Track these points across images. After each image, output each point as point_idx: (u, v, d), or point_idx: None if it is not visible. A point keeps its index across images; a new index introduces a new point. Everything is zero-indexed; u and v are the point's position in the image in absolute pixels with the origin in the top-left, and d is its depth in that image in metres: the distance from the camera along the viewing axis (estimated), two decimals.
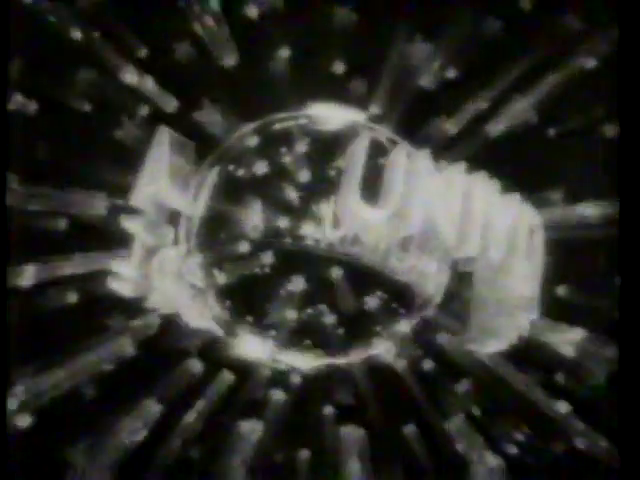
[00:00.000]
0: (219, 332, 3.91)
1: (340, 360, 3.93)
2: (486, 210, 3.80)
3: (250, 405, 3.91)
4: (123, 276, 3.78)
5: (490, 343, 3.85)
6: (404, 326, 3.92)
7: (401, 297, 3.93)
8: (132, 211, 3.75)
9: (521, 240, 3.84)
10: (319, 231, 3.77)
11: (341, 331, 3.93)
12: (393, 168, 3.72)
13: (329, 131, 3.90)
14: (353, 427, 3.91)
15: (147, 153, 3.76)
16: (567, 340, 3.90)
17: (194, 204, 3.91)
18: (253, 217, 3.82)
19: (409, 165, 3.74)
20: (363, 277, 3.89)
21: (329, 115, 3.96)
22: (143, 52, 4.03)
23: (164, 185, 3.74)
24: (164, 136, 3.78)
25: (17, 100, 3.88)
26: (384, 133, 3.94)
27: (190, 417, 3.85)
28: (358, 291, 3.92)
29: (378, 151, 3.79)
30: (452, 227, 3.74)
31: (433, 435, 3.93)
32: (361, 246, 3.80)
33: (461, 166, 3.83)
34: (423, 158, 3.78)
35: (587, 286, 3.96)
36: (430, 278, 3.91)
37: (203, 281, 3.90)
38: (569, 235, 3.92)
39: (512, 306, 3.84)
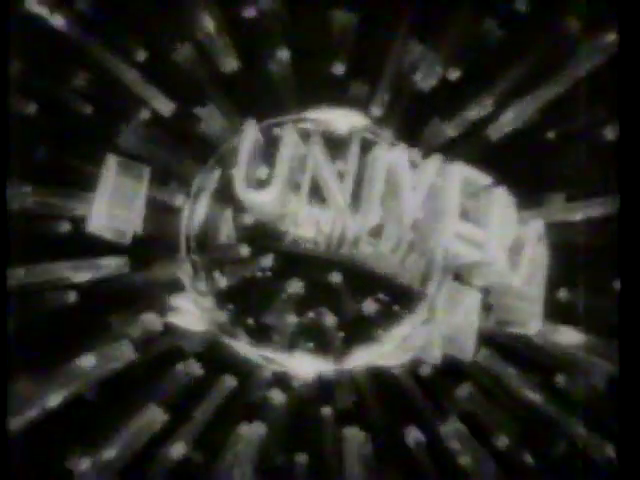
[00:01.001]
0: (219, 335, 3.92)
1: (341, 363, 3.94)
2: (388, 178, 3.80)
3: (251, 408, 3.90)
4: (183, 310, 3.83)
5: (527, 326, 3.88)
6: (405, 328, 3.92)
7: (402, 299, 3.94)
8: None
9: (446, 199, 3.78)
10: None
11: (342, 334, 3.94)
12: (282, 151, 3.76)
13: (330, 134, 3.90)
14: (353, 430, 3.90)
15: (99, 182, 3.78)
16: (567, 341, 3.91)
17: (195, 207, 3.93)
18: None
19: (299, 146, 3.79)
20: (364, 280, 3.90)
21: (330, 118, 3.98)
22: (143, 55, 4.03)
23: (113, 209, 3.75)
24: (111, 163, 3.78)
25: (18, 102, 3.87)
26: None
27: (190, 419, 3.84)
28: (359, 294, 3.93)
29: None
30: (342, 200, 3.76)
31: (432, 437, 3.93)
32: (328, 239, 3.83)
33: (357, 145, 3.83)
34: (314, 137, 3.82)
35: (587, 288, 3.96)
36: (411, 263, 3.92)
37: (204, 284, 3.91)
38: (569, 237, 3.93)
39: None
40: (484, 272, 3.84)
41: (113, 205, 3.75)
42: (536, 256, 3.84)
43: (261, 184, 3.74)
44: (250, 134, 3.78)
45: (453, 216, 3.73)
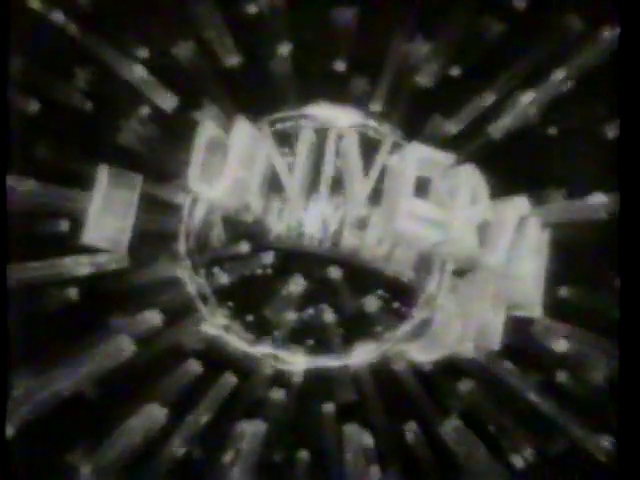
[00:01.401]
0: (220, 332, 3.93)
1: (341, 360, 3.94)
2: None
3: (251, 405, 3.91)
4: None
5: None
6: (406, 326, 3.92)
7: (402, 296, 3.94)
8: None
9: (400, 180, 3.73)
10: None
11: (341, 331, 3.94)
12: (233, 145, 3.75)
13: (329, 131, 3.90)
14: (354, 426, 3.91)
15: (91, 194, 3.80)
16: (567, 340, 3.90)
17: (194, 204, 3.94)
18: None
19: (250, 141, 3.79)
20: (363, 276, 3.91)
21: (330, 115, 3.98)
22: (144, 51, 4.03)
23: (107, 220, 3.77)
24: (103, 174, 3.79)
25: (17, 99, 3.87)
26: None
27: (191, 417, 3.85)
28: (358, 291, 3.94)
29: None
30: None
31: (433, 435, 3.93)
32: (310, 233, 3.83)
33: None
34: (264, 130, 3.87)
35: (587, 286, 3.96)
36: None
37: (203, 282, 3.92)
38: (570, 235, 3.92)
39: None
40: (451, 252, 3.80)
41: (107, 216, 3.77)
42: (521, 235, 3.75)
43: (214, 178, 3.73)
44: (207, 130, 3.77)
45: (407, 196, 3.64)
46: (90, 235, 3.78)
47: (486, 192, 3.74)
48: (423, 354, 3.90)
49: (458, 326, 3.79)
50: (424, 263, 3.94)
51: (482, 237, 3.71)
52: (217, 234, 3.94)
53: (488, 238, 3.73)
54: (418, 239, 3.73)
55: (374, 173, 3.79)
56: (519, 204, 3.76)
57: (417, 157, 3.70)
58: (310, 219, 3.86)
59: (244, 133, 3.76)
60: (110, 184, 3.78)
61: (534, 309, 3.82)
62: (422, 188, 3.71)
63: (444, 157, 3.75)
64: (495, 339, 3.75)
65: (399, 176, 3.70)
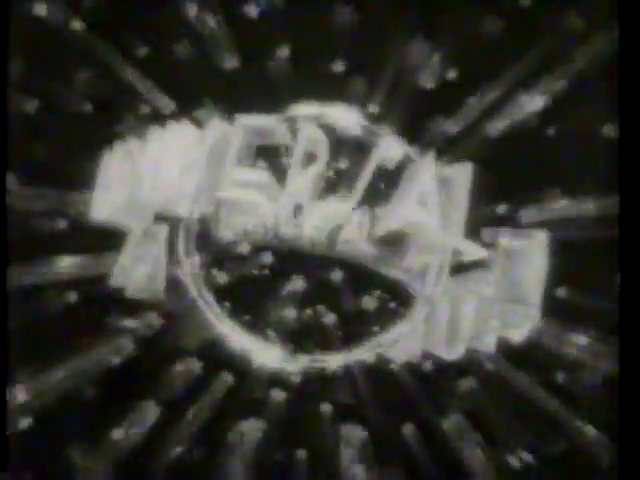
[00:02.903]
0: (218, 332, 3.94)
1: (339, 361, 3.94)
2: None
3: (249, 405, 3.91)
4: None
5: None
6: (403, 326, 3.92)
7: (400, 297, 3.94)
8: None
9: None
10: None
11: (340, 331, 3.94)
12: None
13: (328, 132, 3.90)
14: (352, 426, 3.91)
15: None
16: (567, 340, 3.90)
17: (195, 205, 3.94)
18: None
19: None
20: (361, 277, 3.91)
21: (328, 115, 3.98)
22: (143, 52, 4.04)
23: (143, 272, 3.82)
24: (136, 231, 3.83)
25: (17, 100, 3.89)
26: None
27: (189, 417, 3.85)
28: (357, 291, 3.94)
29: None
30: None
31: (432, 435, 3.93)
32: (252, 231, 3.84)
33: None
34: None
35: (587, 286, 3.95)
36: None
37: (202, 281, 3.93)
38: (569, 235, 3.92)
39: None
40: (287, 214, 3.80)
41: (140, 269, 3.81)
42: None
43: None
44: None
45: (230, 166, 3.74)
46: (132, 289, 3.82)
47: (327, 148, 3.78)
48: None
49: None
50: (385, 239, 3.90)
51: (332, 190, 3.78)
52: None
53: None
54: (244, 205, 3.78)
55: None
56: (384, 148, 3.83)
57: (244, 125, 3.79)
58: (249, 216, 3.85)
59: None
60: (140, 238, 3.82)
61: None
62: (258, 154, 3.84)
63: (273, 122, 3.84)
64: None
65: (227, 146, 3.77)
